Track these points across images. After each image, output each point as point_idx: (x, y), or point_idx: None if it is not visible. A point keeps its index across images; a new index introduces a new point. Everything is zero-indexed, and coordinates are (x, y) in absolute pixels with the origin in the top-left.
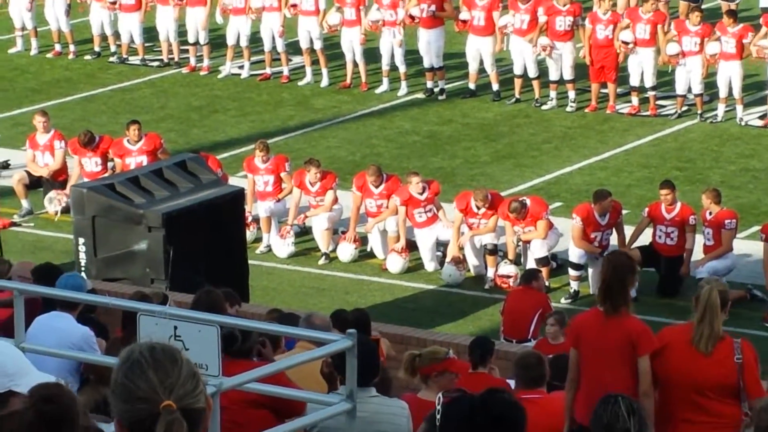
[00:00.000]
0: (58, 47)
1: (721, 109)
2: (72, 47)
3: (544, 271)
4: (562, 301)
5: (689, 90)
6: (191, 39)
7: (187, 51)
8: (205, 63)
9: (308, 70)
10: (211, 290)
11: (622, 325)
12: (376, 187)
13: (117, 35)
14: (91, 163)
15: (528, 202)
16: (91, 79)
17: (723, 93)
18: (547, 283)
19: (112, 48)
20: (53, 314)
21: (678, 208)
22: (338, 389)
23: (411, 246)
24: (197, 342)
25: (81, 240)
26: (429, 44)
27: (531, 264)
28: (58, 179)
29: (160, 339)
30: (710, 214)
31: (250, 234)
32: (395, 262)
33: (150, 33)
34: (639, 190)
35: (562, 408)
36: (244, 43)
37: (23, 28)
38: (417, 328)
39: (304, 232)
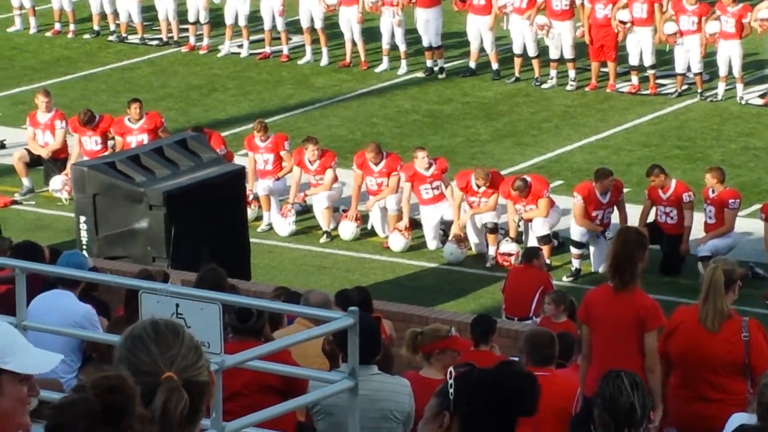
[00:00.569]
0: (57, 26)
1: (721, 87)
2: (72, 26)
3: (545, 249)
4: (564, 279)
5: (688, 69)
6: (191, 18)
7: (186, 30)
8: (205, 42)
9: (308, 48)
10: (215, 267)
11: (631, 300)
12: (376, 164)
13: (116, 14)
14: (91, 142)
15: (529, 180)
16: (90, 57)
17: (723, 72)
18: (548, 261)
19: (112, 27)
20: (55, 292)
21: (673, 186)
22: (340, 367)
23: (413, 224)
24: (199, 320)
25: (82, 218)
26: (427, 23)
27: (532, 242)
28: (59, 158)
29: (162, 316)
30: (713, 192)
31: (251, 212)
32: (398, 241)
33: (149, 12)
34: (639, 168)
35: (569, 386)
36: (242, 22)
37: (21, 7)
38: (419, 306)
39: (305, 211)
